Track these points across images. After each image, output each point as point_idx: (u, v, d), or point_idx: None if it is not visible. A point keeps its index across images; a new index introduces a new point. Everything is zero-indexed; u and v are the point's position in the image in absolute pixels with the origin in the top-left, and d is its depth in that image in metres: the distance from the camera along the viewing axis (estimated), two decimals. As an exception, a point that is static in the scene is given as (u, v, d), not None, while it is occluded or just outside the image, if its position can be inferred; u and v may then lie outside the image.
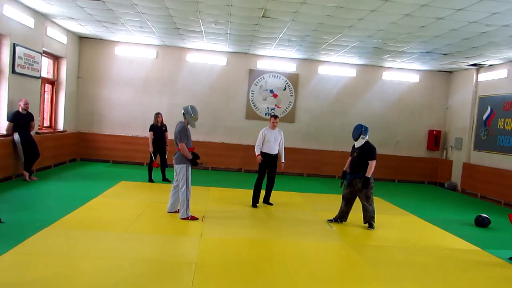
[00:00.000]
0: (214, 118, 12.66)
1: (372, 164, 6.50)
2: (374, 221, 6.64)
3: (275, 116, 7.83)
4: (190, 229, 5.93)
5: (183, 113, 6.41)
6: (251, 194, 7.79)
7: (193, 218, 6.39)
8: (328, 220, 6.93)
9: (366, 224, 6.70)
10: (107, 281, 3.96)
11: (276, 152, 7.72)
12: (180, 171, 6.34)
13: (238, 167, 12.64)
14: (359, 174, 6.55)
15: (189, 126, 6.50)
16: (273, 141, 7.68)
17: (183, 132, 6.27)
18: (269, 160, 7.70)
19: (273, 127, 7.73)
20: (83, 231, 5.44)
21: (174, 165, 6.42)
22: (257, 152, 7.70)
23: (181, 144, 6.25)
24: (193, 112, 6.38)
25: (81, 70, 12.24)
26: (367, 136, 6.66)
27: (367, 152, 6.58)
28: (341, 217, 6.88)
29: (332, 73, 12.92)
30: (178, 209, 6.57)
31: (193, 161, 6.35)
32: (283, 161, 7.91)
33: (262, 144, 7.70)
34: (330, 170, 12.67)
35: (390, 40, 9.39)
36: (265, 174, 7.81)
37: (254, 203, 7.69)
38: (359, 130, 6.62)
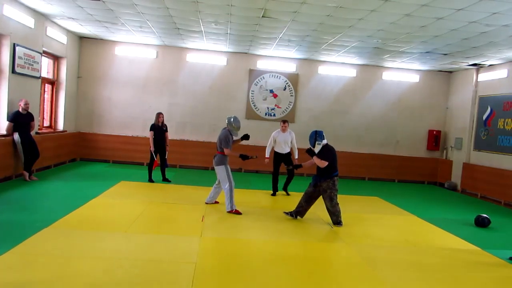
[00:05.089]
0: (214, 118, 12.66)
1: (320, 162, 6.48)
2: (340, 220, 6.66)
3: (284, 121, 8.99)
4: (190, 229, 5.93)
5: (227, 123, 7.09)
6: (251, 194, 7.96)
7: (237, 212, 6.95)
8: (285, 212, 7.10)
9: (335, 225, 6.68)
10: (107, 281, 3.96)
11: (287, 151, 8.89)
12: (220, 171, 7.01)
13: (238, 167, 12.62)
14: (324, 177, 6.55)
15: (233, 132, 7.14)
16: (283, 143, 8.87)
17: (226, 139, 6.95)
18: (282, 157, 8.90)
19: (283, 130, 8.90)
20: (83, 231, 5.44)
21: (214, 167, 7.13)
22: (267, 154, 9.01)
23: (226, 149, 6.95)
24: (234, 122, 7.04)
25: (81, 70, 12.24)
26: (323, 141, 6.60)
27: (322, 153, 6.56)
28: (298, 212, 6.89)
29: (332, 73, 12.92)
30: (216, 201, 7.54)
31: (243, 157, 7.08)
32: (296, 157, 9.02)
33: (274, 145, 8.93)
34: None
35: (390, 40, 9.39)
36: (278, 169, 8.99)
37: (274, 192, 9.01)
38: (313, 138, 6.61)
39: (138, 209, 6.84)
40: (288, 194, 9.02)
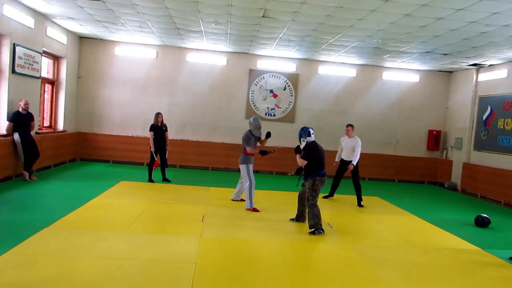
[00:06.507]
0: (214, 118, 12.67)
1: (299, 160, 6.33)
2: (318, 227, 6.08)
3: (347, 125, 8.78)
4: (190, 229, 5.93)
5: (248, 123, 7.47)
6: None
7: (255, 210, 7.22)
8: (291, 219, 6.86)
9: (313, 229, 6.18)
10: (107, 281, 3.95)
11: (348, 158, 8.60)
12: (242, 170, 7.36)
13: (238, 167, 12.62)
14: (307, 176, 6.34)
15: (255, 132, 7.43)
16: (345, 149, 8.70)
17: (246, 139, 7.35)
18: (343, 164, 8.75)
19: (347, 135, 8.69)
20: (83, 231, 5.44)
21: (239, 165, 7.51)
22: (336, 159, 8.95)
23: (248, 148, 7.31)
24: (254, 121, 7.37)
25: (81, 70, 12.24)
26: (307, 138, 6.36)
27: (304, 151, 6.39)
28: (299, 217, 6.75)
29: (332, 73, 12.92)
30: (241, 199, 7.84)
31: (262, 153, 7.42)
32: (353, 163, 8.49)
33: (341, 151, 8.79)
34: (330, 170, 12.48)
35: (390, 40, 9.39)
36: (338, 175, 8.92)
37: (328, 195, 9.08)
38: (300, 134, 6.45)
39: (138, 209, 6.84)
40: (362, 206, 8.52)
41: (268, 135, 7.56)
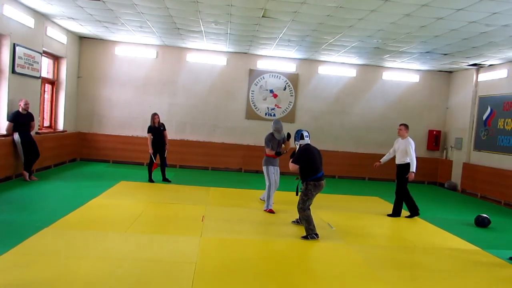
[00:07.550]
0: (214, 118, 12.67)
1: (290, 165, 6.11)
2: (310, 233, 5.85)
3: (400, 124, 8.02)
4: (190, 229, 5.93)
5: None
6: (251, 194, 7.84)
7: (271, 211, 7.25)
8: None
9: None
10: (107, 281, 3.95)
11: (400, 162, 7.74)
12: (264, 171, 7.46)
13: (238, 167, 12.64)
14: (303, 180, 6.13)
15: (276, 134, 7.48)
16: (397, 151, 7.87)
17: (266, 141, 7.47)
18: (396, 169, 7.84)
19: (398, 135, 7.96)
20: (83, 231, 5.44)
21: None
22: (381, 160, 8.24)
23: (267, 149, 7.43)
24: (274, 125, 7.49)
25: (81, 70, 12.24)
26: (301, 141, 6.19)
27: (296, 155, 6.19)
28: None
29: (332, 73, 12.92)
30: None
31: (277, 154, 7.45)
32: (412, 170, 7.55)
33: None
34: (330, 170, 12.66)
35: (390, 40, 9.39)
36: (399, 184, 7.84)
37: (415, 212, 7.76)
38: (294, 137, 6.34)
39: (138, 209, 6.85)
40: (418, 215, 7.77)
41: (288, 136, 7.53)
